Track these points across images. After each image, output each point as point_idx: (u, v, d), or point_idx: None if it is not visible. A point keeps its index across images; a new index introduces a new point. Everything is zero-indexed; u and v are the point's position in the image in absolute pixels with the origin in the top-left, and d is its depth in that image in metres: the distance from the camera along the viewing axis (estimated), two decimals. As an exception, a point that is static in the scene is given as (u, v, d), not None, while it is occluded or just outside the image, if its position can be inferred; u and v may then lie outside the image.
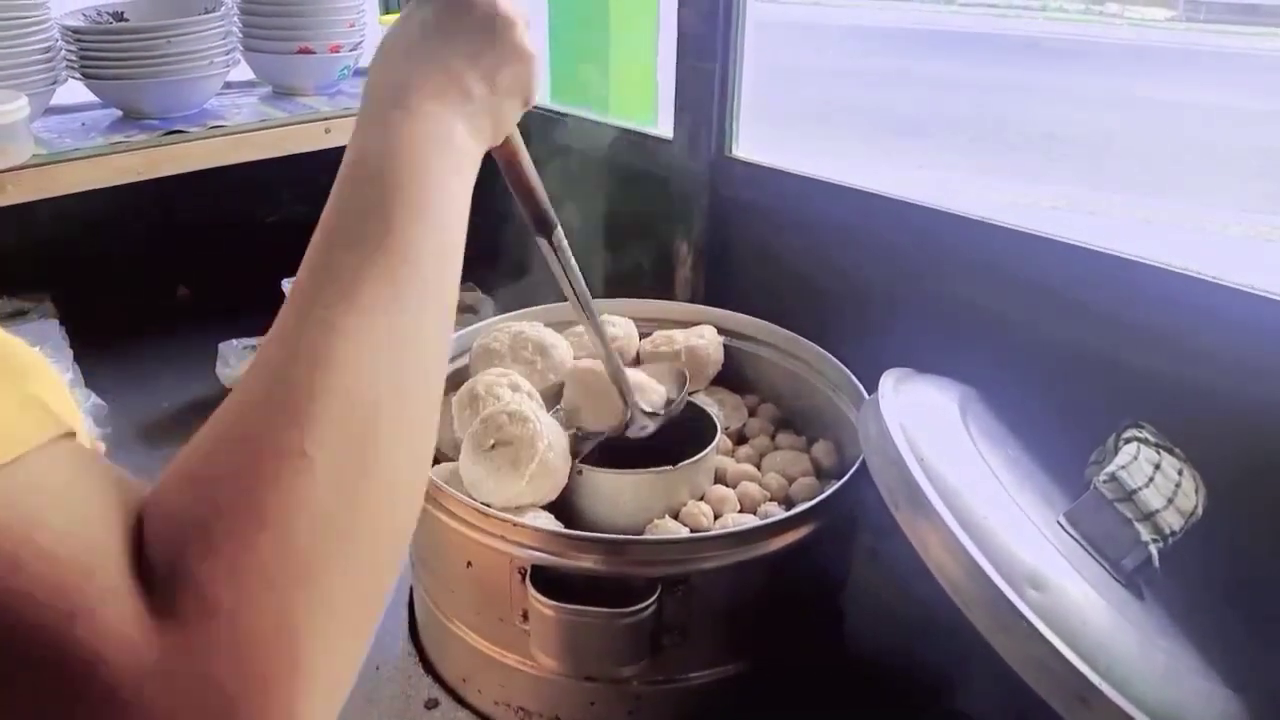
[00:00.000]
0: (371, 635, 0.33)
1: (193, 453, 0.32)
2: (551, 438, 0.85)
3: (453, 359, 1.06)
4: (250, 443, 0.31)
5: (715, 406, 1.00)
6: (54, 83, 1.28)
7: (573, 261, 0.76)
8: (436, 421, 0.39)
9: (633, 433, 0.91)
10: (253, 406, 0.32)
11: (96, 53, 1.29)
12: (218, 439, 0.32)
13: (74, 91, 1.35)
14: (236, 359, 1.41)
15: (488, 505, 0.80)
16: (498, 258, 1.55)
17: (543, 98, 1.64)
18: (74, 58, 1.30)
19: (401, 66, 0.46)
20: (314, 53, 1.46)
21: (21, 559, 0.27)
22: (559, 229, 0.74)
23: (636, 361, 1.06)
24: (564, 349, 1.01)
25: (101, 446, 0.63)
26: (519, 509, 0.83)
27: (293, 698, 0.28)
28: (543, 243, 0.74)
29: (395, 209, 0.39)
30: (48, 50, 1.26)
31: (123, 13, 1.41)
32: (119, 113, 1.36)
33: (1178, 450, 0.77)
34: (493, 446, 0.83)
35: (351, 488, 0.31)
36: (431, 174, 0.41)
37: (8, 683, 0.26)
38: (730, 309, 1.11)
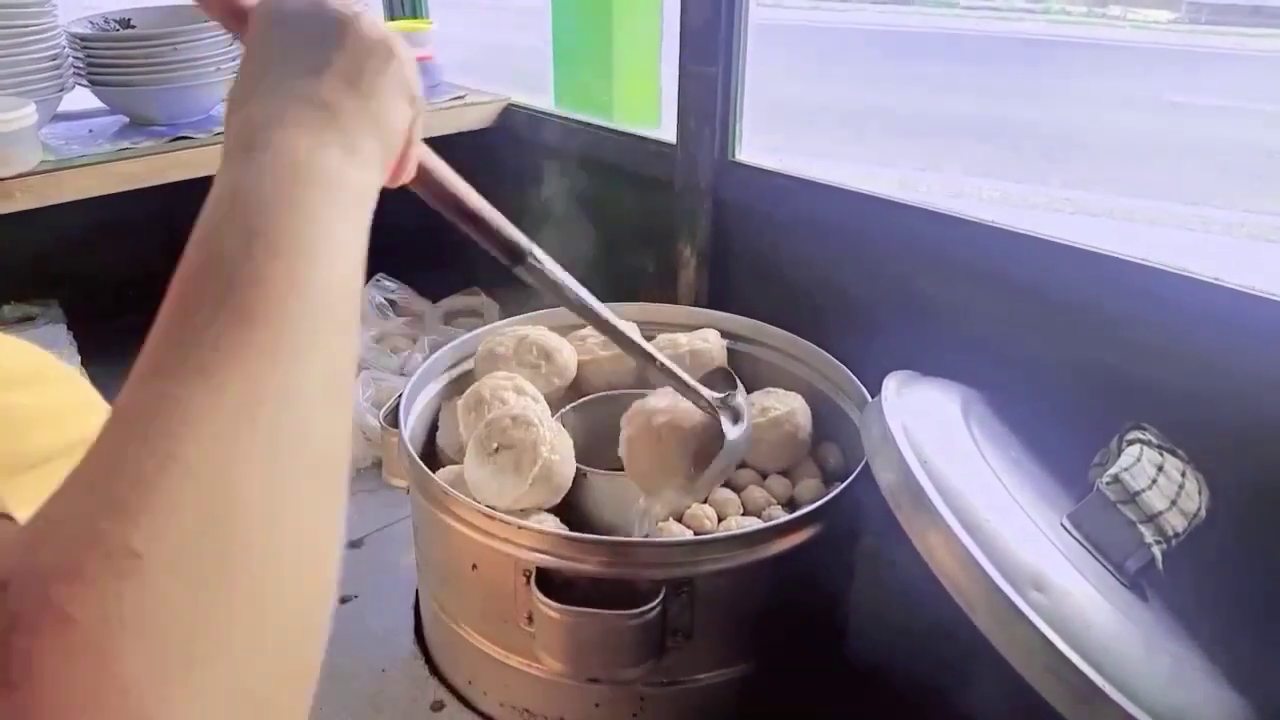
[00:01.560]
0: None
1: (31, 530, 0.25)
2: (555, 441, 0.85)
3: (458, 363, 1.06)
4: (74, 537, 0.24)
5: (719, 409, 1.00)
6: (61, 90, 1.29)
7: (561, 276, 0.67)
8: (336, 499, 0.32)
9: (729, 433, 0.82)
10: (83, 490, 0.26)
11: (103, 60, 1.30)
12: (50, 521, 0.26)
13: (81, 98, 1.36)
14: (242, 363, 1.42)
15: (492, 508, 0.80)
16: (501, 262, 1.56)
17: (546, 102, 1.65)
18: (81, 65, 1.31)
19: (247, 106, 0.38)
20: (319, 59, 1.46)
21: None
22: (532, 253, 0.63)
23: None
24: (568, 353, 1.02)
25: None
26: (523, 511, 0.84)
27: None
28: (520, 270, 0.64)
29: (254, 261, 0.31)
30: (55, 58, 1.26)
31: (130, 20, 1.42)
32: (126, 119, 1.37)
33: (1181, 452, 0.77)
34: (496, 450, 0.83)
35: (202, 587, 0.25)
36: (300, 213, 0.34)
37: None
38: (733, 312, 1.11)
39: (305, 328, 0.31)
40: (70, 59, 1.31)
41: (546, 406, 0.93)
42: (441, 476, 0.86)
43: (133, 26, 1.41)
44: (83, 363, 1.30)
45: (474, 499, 0.81)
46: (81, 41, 1.30)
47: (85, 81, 1.32)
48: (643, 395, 1.03)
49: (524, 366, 0.98)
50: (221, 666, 0.24)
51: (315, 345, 0.32)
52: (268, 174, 0.35)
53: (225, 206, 0.34)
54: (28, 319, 1.40)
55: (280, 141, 0.36)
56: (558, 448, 0.85)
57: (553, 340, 1.01)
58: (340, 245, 0.35)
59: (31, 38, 1.22)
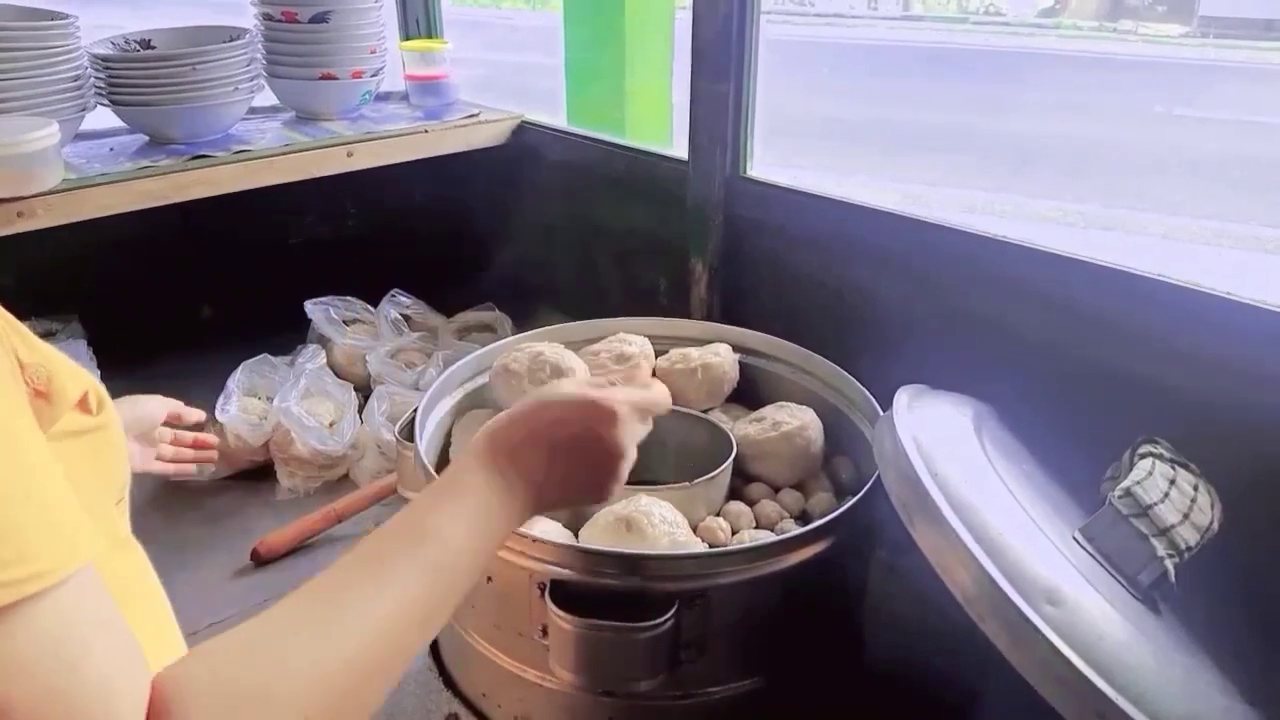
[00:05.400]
0: None
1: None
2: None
3: (472, 377, 1.07)
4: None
5: (730, 423, 1.01)
6: (83, 109, 1.31)
7: None
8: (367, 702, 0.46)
9: None
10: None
11: (124, 80, 1.32)
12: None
13: (102, 118, 1.38)
14: (259, 378, 1.43)
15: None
16: (514, 277, 1.57)
17: (559, 120, 1.67)
18: (103, 85, 1.34)
19: (501, 456, 0.58)
20: (336, 78, 1.49)
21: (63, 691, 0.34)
22: None
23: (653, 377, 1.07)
24: (581, 371, 1.02)
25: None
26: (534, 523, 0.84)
27: None
28: None
29: (408, 550, 0.50)
30: (77, 78, 1.29)
31: (150, 41, 1.44)
32: (146, 138, 1.39)
33: (1193, 465, 0.77)
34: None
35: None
36: (459, 532, 0.53)
37: None
38: (745, 326, 1.12)
39: (399, 600, 0.48)
40: (92, 79, 1.33)
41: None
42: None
43: (153, 47, 1.44)
44: (102, 376, 1.32)
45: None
46: (103, 62, 1.33)
47: (106, 101, 1.35)
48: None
49: (536, 384, 0.99)
50: None
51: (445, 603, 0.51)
52: (468, 495, 0.55)
53: (438, 490, 0.56)
54: (49, 334, 1.42)
55: (488, 489, 0.56)
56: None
57: (567, 359, 1.02)
58: (470, 560, 0.53)
59: (54, 59, 1.24)
